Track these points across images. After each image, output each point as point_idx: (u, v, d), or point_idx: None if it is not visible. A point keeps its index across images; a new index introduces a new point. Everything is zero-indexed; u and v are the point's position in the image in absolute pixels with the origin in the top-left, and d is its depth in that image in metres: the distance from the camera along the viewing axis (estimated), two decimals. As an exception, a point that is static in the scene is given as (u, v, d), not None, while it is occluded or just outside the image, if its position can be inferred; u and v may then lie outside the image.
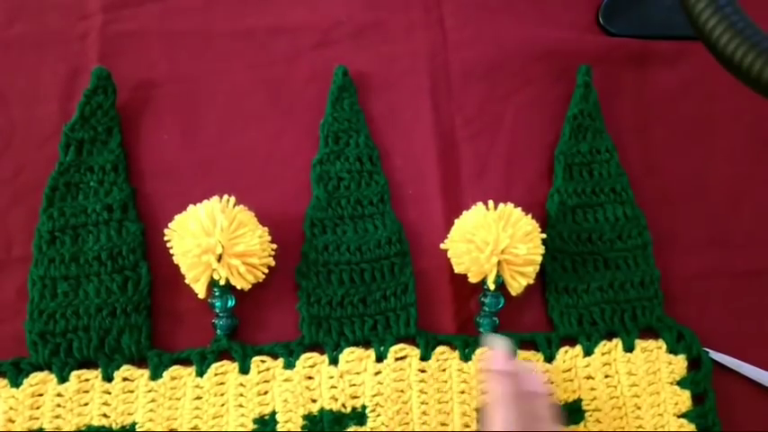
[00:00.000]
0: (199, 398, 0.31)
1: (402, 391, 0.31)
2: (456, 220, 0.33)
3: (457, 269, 0.32)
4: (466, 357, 0.32)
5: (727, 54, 0.24)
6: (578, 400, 0.32)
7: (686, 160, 0.37)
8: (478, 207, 0.32)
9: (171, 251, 0.31)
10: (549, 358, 0.32)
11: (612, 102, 0.38)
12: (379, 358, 0.32)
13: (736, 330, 0.34)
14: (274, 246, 0.32)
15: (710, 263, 0.36)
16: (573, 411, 0.32)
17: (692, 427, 0.32)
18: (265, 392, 0.31)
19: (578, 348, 0.33)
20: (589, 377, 0.32)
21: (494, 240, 0.30)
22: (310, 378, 0.31)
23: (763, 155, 0.38)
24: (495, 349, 0.31)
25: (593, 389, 0.32)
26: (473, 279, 0.32)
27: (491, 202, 0.32)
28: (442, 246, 0.33)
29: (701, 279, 0.35)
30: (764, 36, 0.23)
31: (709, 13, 0.24)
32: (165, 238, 0.31)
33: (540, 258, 0.32)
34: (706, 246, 0.36)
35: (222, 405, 0.31)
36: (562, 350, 0.33)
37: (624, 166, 0.36)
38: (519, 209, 0.32)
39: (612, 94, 0.38)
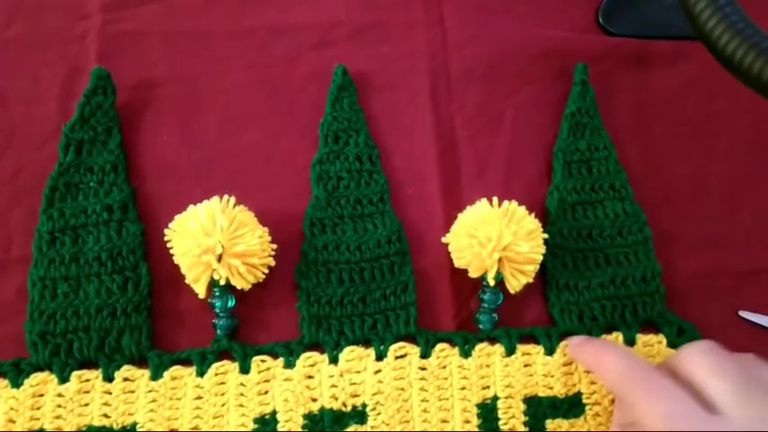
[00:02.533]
0: (199, 398, 0.31)
1: (402, 389, 0.31)
2: (459, 215, 0.33)
3: (457, 263, 0.33)
4: (466, 354, 0.32)
5: (727, 54, 0.24)
6: (578, 394, 0.32)
7: (686, 160, 0.38)
8: (482, 203, 0.33)
9: (171, 251, 0.31)
10: (550, 351, 0.33)
11: (612, 102, 0.38)
12: (380, 357, 0.32)
13: (737, 330, 0.35)
14: (274, 246, 0.32)
15: (710, 263, 0.36)
16: (573, 405, 0.32)
17: None
18: (266, 392, 0.31)
19: None
20: (589, 371, 0.32)
21: (497, 236, 0.31)
22: (310, 377, 0.31)
23: (763, 155, 0.38)
24: None
25: (592, 382, 0.32)
26: (473, 274, 0.32)
27: (495, 199, 0.32)
28: (444, 239, 0.33)
29: (700, 279, 0.35)
30: (764, 36, 0.23)
31: (709, 13, 0.24)
32: (166, 239, 0.31)
33: (540, 258, 0.32)
34: (706, 246, 0.36)
35: (223, 405, 0.31)
36: (563, 343, 0.33)
37: (624, 166, 0.36)
38: (523, 207, 0.32)
39: (612, 95, 0.38)
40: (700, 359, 0.25)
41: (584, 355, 0.31)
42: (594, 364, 0.30)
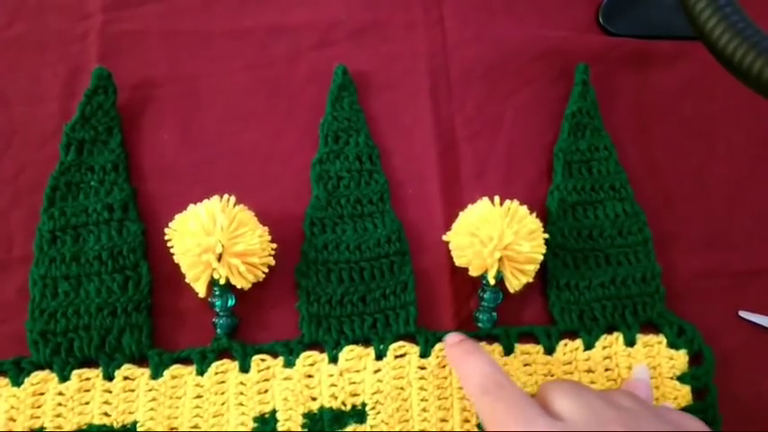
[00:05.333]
0: (199, 396, 0.31)
1: (402, 388, 0.31)
2: (460, 213, 0.33)
3: (458, 262, 0.33)
4: (465, 354, 0.32)
5: (727, 54, 0.24)
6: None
7: (686, 160, 0.38)
8: (484, 201, 0.33)
9: (171, 250, 0.31)
10: (550, 350, 0.33)
11: (612, 102, 0.38)
12: (379, 356, 0.32)
13: (737, 330, 0.35)
14: (274, 245, 0.32)
15: (710, 263, 0.36)
16: None
17: None
18: (265, 391, 0.31)
19: (578, 342, 0.33)
20: (589, 370, 0.32)
21: (498, 235, 0.31)
22: (310, 376, 0.31)
23: (763, 155, 0.38)
24: (639, 380, 0.31)
25: (593, 382, 0.32)
26: (474, 273, 0.32)
27: (497, 198, 0.32)
28: (445, 237, 0.33)
29: (700, 279, 0.35)
30: (764, 36, 0.23)
31: (709, 13, 0.24)
32: (166, 238, 0.31)
33: (541, 257, 0.32)
34: (706, 245, 0.36)
35: (223, 404, 0.31)
36: (562, 343, 0.33)
37: (624, 166, 0.36)
38: (524, 206, 0.32)
39: (612, 95, 0.38)
40: (552, 385, 0.28)
41: (451, 356, 0.31)
42: (458, 367, 0.30)
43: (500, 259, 0.31)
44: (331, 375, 0.31)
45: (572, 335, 0.33)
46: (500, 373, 0.28)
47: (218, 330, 0.32)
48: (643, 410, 0.26)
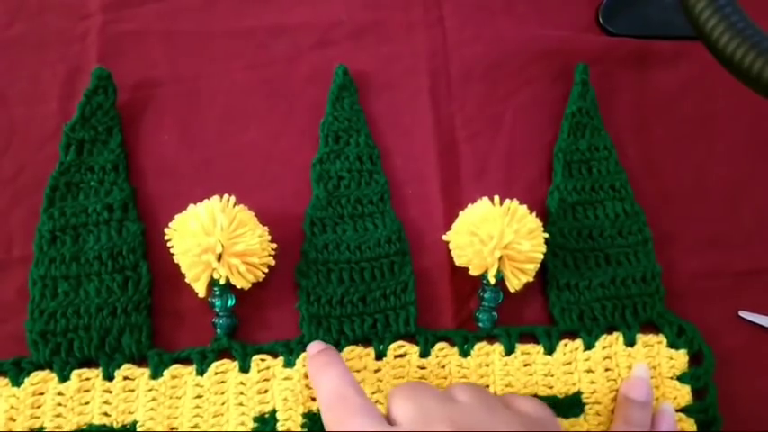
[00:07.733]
0: (199, 396, 0.31)
1: (402, 389, 0.31)
2: (461, 213, 0.33)
3: (458, 261, 0.33)
4: (465, 353, 0.32)
5: (728, 54, 0.24)
6: (578, 393, 0.32)
7: (686, 160, 0.38)
8: (484, 201, 0.33)
9: (171, 250, 0.31)
10: (550, 351, 0.33)
11: (612, 102, 0.38)
12: (379, 356, 0.32)
13: (737, 330, 0.35)
14: (274, 245, 0.32)
15: (710, 262, 0.36)
16: (573, 404, 0.32)
17: (691, 421, 0.32)
18: (265, 391, 0.31)
19: (578, 342, 0.33)
20: (589, 370, 0.32)
21: (498, 234, 0.31)
22: (310, 377, 0.31)
23: (763, 155, 0.38)
24: (639, 378, 0.32)
25: (593, 382, 0.32)
26: (474, 272, 0.32)
27: (497, 197, 0.32)
28: (445, 237, 0.33)
29: (700, 279, 0.35)
30: (764, 36, 0.23)
31: (709, 13, 0.24)
32: (166, 238, 0.31)
33: (541, 256, 0.32)
34: (706, 245, 0.36)
35: (223, 404, 0.31)
36: (562, 343, 0.33)
37: (624, 166, 0.36)
38: (524, 206, 0.32)
39: (612, 95, 0.38)
40: (395, 390, 0.28)
41: (309, 368, 0.30)
42: (312, 380, 0.30)
43: (500, 258, 0.31)
44: (331, 375, 0.31)
45: (572, 335, 0.33)
46: (348, 386, 0.27)
47: (218, 330, 0.32)
48: (478, 404, 0.26)
